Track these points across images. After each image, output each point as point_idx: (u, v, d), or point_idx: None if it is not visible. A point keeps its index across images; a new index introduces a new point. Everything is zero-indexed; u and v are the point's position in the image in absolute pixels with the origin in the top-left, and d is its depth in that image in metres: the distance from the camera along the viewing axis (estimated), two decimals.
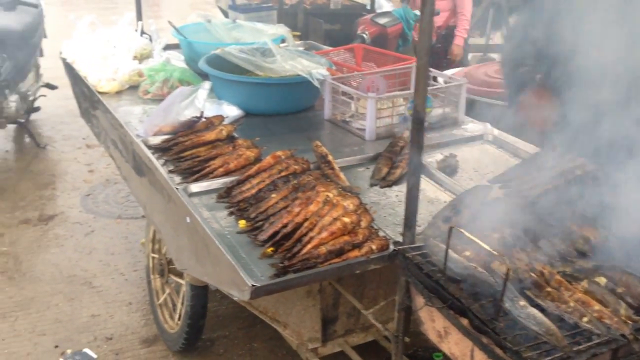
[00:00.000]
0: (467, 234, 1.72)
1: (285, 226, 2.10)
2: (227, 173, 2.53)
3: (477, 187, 2.29)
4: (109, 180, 5.25)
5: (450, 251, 1.78)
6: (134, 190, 3.27)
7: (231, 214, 2.28)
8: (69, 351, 3.29)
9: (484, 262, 1.80)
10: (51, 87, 6.14)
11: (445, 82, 3.29)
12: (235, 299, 2.07)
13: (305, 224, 2.09)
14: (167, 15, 10.23)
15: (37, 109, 6.08)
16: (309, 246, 2.01)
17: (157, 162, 2.63)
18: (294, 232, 2.09)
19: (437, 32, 5.63)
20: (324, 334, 2.66)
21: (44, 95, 6.14)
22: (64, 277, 3.92)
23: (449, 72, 3.97)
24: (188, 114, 2.89)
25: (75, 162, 5.60)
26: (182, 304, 3.07)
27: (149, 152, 2.72)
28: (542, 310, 1.65)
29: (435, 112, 3.11)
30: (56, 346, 3.34)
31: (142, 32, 4.17)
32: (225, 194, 2.39)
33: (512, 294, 1.65)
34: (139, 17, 4.42)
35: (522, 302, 1.64)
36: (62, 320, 3.54)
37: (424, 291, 1.85)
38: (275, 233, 2.09)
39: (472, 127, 3.13)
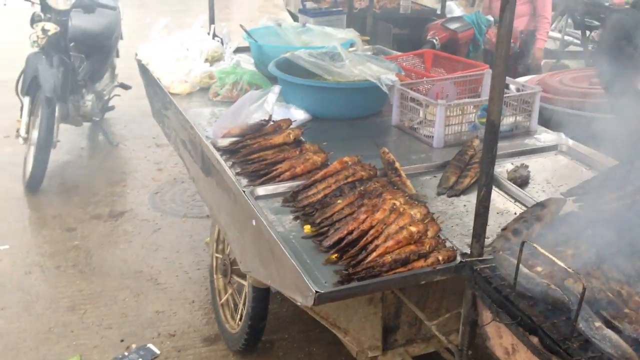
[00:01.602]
0: (540, 249, 1.65)
1: (350, 233, 2.08)
2: (293, 177, 2.53)
3: (550, 200, 2.22)
4: (176, 179, 5.37)
5: (521, 266, 1.72)
6: (201, 190, 3.32)
7: (296, 218, 2.28)
8: (133, 346, 3.38)
9: (557, 279, 1.74)
10: (125, 87, 6.33)
11: (518, 90, 3.20)
12: (298, 304, 2.06)
13: (371, 232, 2.06)
14: (237, 18, 10.44)
15: (112, 108, 6.27)
16: (374, 254, 1.98)
17: (224, 164, 2.66)
18: (359, 239, 2.07)
19: (520, 37, 5.48)
20: (385, 343, 2.63)
21: (118, 95, 6.34)
22: (131, 273, 4.03)
23: (522, 79, 3.86)
24: (257, 117, 2.92)
25: (145, 160, 5.76)
26: (244, 304, 3.10)
27: (217, 154, 2.75)
28: (619, 332, 1.58)
29: (506, 120, 3.03)
30: (122, 340, 3.43)
31: (214, 35, 4.24)
32: (291, 198, 2.39)
33: (587, 314, 1.58)
34: (212, 20, 4.50)
35: (598, 323, 1.56)
36: (128, 314, 3.63)
37: (492, 306, 1.80)
38: (340, 240, 2.07)
39: (546, 136, 3.03)
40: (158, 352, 3.33)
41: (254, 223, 2.29)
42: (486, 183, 1.81)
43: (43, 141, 4.88)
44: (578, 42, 8.61)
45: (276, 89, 3.07)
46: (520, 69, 5.26)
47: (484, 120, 2.91)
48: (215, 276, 3.45)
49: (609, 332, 1.55)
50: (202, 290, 3.83)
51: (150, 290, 3.86)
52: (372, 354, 2.61)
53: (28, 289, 3.84)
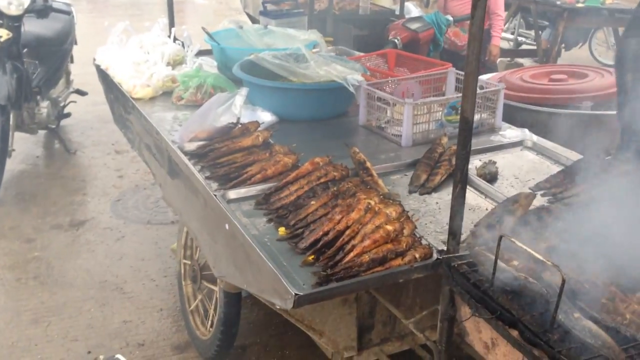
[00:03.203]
0: (519, 243, 1.67)
1: (326, 234, 2.07)
2: (264, 179, 2.51)
3: (520, 195, 2.25)
4: (138, 185, 5.27)
5: (498, 261, 1.74)
6: (168, 196, 3.26)
7: (270, 220, 2.26)
8: (101, 357, 3.26)
9: (533, 272, 1.76)
10: (81, 93, 6.19)
11: (482, 87, 3.24)
12: (276, 308, 2.04)
13: (347, 232, 2.05)
14: (192, 21, 10.33)
15: (68, 115, 6.12)
16: (351, 254, 1.98)
17: (194, 169, 2.62)
18: (335, 240, 2.05)
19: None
20: (360, 343, 2.62)
21: (74, 102, 6.19)
22: (96, 283, 3.93)
23: (484, 77, 3.91)
24: (224, 120, 2.88)
25: (104, 167, 5.63)
26: (215, 310, 3.05)
27: (185, 159, 2.71)
28: (597, 322, 1.60)
29: None
30: (89, 352, 3.34)
31: (175, 39, 4.18)
32: (263, 201, 2.37)
33: (566, 306, 1.60)
34: (172, 23, 4.43)
35: (577, 314, 1.59)
36: (94, 325, 3.54)
37: (470, 301, 1.81)
38: (317, 241, 2.06)
39: (511, 133, 3.08)
40: None
41: (227, 227, 2.25)
42: (461, 179, 1.82)
43: None
44: (530, 42, 8.82)
45: (243, 91, 3.04)
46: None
47: (451, 118, 2.97)
48: (183, 283, 3.40)
49: (588, 323, 1.57)
50: (170, 298, 3.76)
51: (116, 299, 3.77)
52: (348, 355, 2.60)
53: None
